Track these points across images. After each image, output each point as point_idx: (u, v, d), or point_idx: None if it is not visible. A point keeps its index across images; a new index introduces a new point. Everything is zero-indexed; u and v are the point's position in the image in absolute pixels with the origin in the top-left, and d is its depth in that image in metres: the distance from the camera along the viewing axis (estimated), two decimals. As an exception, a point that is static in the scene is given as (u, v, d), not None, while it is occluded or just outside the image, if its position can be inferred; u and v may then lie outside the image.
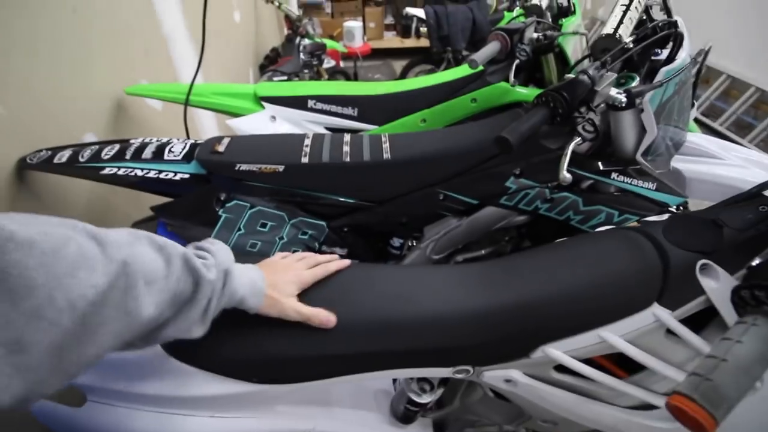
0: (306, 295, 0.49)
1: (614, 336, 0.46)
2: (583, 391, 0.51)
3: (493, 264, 0.56)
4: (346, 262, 0.56)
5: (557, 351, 0.48)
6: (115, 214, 1.06)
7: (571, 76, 0.65)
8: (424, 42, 2.37)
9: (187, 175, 0.78)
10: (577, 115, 0.65)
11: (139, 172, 0.77)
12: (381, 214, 0.85)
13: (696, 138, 0.88)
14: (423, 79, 1.27)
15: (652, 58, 0.80)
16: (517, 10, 1.97)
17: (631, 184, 0.78)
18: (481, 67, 1.06)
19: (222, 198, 0.80)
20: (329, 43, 2.48)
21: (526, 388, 0.51)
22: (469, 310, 0.49)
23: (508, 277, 0.52)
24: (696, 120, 2.58)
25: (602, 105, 0.70)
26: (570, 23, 1.24)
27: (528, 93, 1.19)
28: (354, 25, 3.19)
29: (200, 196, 0.80)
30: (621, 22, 0.73)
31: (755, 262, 0.42)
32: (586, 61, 0.93)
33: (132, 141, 0.84)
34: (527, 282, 0.51)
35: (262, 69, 2.53)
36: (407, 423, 0.62)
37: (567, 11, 1.35)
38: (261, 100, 1.16)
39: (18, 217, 0.27)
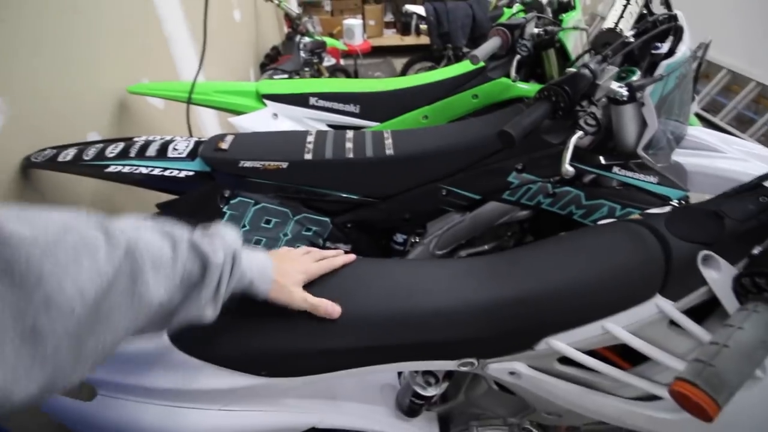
0: (312, 288, 0.50)
1: (617, 327, 0.47)
2: (587, 382, 0.51)
3: (496, 257, 0.57)
4: (352, 256, 0.56)
5: (561, 343, 0.48)
6: (120, 211, 1.06)
7: (573, 70, 0.65)
8: (424, 39, 2.37)
9: (191, 173, 0.79)
10: (578, 109, 0.66)
11: (144, 170, 0.77)
12: (384, 210, 0.86)
13: (697, 131, 0.88)
14: (424, 75, 1.28)
15: (653, 51, 0.80)
16: (517, 6, 1.96)
17: (632, 177, 0.79)
18: (482, 63, 1.07)
19: (226, 195, 0.81)
20: (329, 41, 2.47)
21: (531, 380, 0.52)
22: (473, 302, 0.49)
23: (512, 270, 0.53)
24: (697, 115, 2.58)
25: (603, 99, 0.71)
26: (570, 18, 1.24)
27: (529, 88, 1.19)
28: (354, 22, 3.18)
29: (204, 193, 0.80)
30: (621, 16, 0.74)
31: (756, 251, 0.43)
32: (586, 56, 0.93)
33: (136, 139, 0.84)
34: (531, 275, 0.51)
35: (263, 67, 2.53)
36: (412, 416, 0.62)
37: (567, 6, 1.35)
38: (263, 97, 1.16)
39: (17, 209, 0.28)
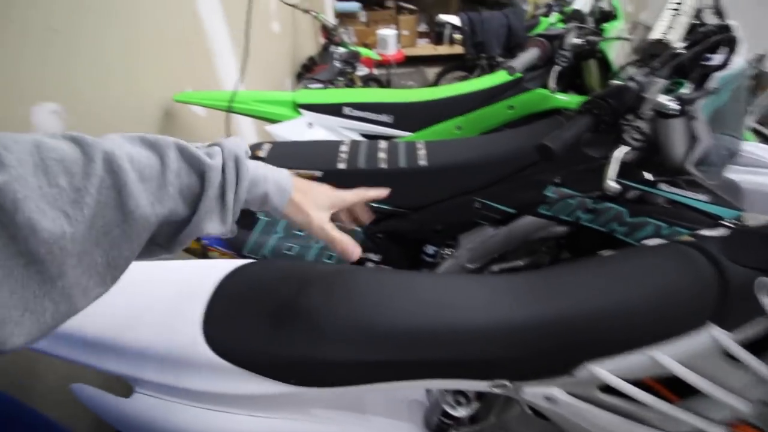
0: (336, 300, 0.50)
1: (666, 357, 0.44)
2: (629, 413, 0.48)
3: (535, 275, 0.54)
4: (384, 191, 0.54)
5: (603, 370, 0.45)
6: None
7: (618, 82, 0.63)
8: (457, 49, 2.36)
9: (229, 180, 0.81)
10: (623, 123, 0.63)
11: (185, 176, 0.80)
12: (416, 221, 0.85)
13: (752, 147, 0.82)
14: (458, 86, 1.27)
15: (704, 63, 0.76)
16: (555, 16, 1.93)
17: (681, 195, 0.74)
18: (519, 74, 1.05)
19: (261, 202, 0.82)
20: (363, 51, 2.51)
21: (568, 407, 0.49)
22: (509, 321, 0.48)
23: (551, 289, 0.51)
24: (753, 130, 2.42)
25: (650, 112, 0.68)
26: (613, 28, 1.20)
27: (568, 99, 1.16)
28: (388, 33, 3.22)
29: None
30: (670, 26, 0.70)
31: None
32: (630, 67, 0.90)
33: (179, 146, 0.88)
34: (572, 295, 0.49)
35: (299, 77, 2.60)
36: (440, 435, 0.61)
37: (609, 16, 1.31)
38: (299, 107, 1.19)
39: None
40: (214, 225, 0.36)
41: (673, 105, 0.64)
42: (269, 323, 0.49)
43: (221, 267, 0.56)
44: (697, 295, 0.45)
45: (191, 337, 0.48)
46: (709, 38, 0.75)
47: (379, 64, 2.92)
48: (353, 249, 0.44)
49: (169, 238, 0.36)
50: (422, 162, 0.82)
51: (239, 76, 1.16)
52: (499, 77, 1.21)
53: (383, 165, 0.82)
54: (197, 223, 0.35)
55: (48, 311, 0.26)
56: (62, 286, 0.26)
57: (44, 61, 0.76)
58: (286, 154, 0.84)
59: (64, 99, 0.79)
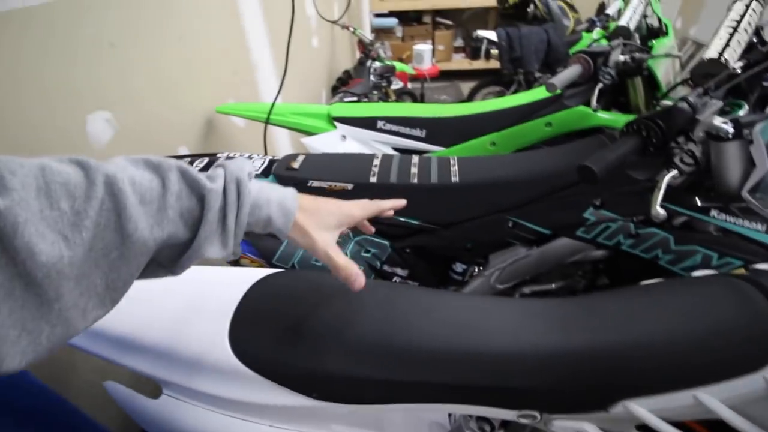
0: (362, 315, 0.49)
1: (714, 400, 0.40)
2: (670, 457, 0.44)
3: (571, 301, 0.52)
4: (402, 202, 0.52)
5: (642, 409, 0.42)
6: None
7: (669, 103, 0.60)
8: (493, 64, 2.35)
9: (263, 189, 0.83)
10: (673, 146, 0.59)
11: (223, 184, 0.83)
12: (446, 238, 0.84)
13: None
14: (494, 102, 1.25)
15: (765, 84, 0.71)
16: (598, 32, 1.88)
17: (734, 224, 0.69)
18: (558, 91, 1.02)
19: (293, 212, 0.84)
20: (398, 66, 2.54)
21: (602, 445, 0.46)
22: (542, 349, 0.45)
23: (589, 318, 0.48)
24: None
25: (702, 134, 0.64)
26: (662, 45, 1.15)
27: (611, 118, 1.12)
28: (423, 48, 3.25)
29: None
30: (727, 44, 0.66)
31: None
32: (681, 87, 0.85)
33: (218, 155, 0.91)
34: (612, 326, 0.46)
35: (334, 90, 2.66)
36: (462, 462, 0.58)
37: (658, 32, 1.26)
38: (333, 119, 1.21)
39: None
40: (214, 249, 0.36)
41: (728, 128, 0.60)
42: (294, 334, 0.49)
43: (250, 275, 0.57)
44: (752, 335, 0.41)
45: (218, 344, 0.49)
46: (770, 58, 0.70)
47: (414, 79, 2.94)
48: (357, 278, 0.42)
49: (171, 260, 0.36)
50: (454, 178, 0.81)
51: (278, 89, 1.20)
52: (537, 93, 1.18)
53: (414, 180, 0.82)
54: (197, 247, 0.35)
55: (44, 333, 0.26)
56: (59, 309, 0.26)
57: (101, 73, 0.81)
58: (318, 166, 0.85)
59: (116, 108, 0.84)
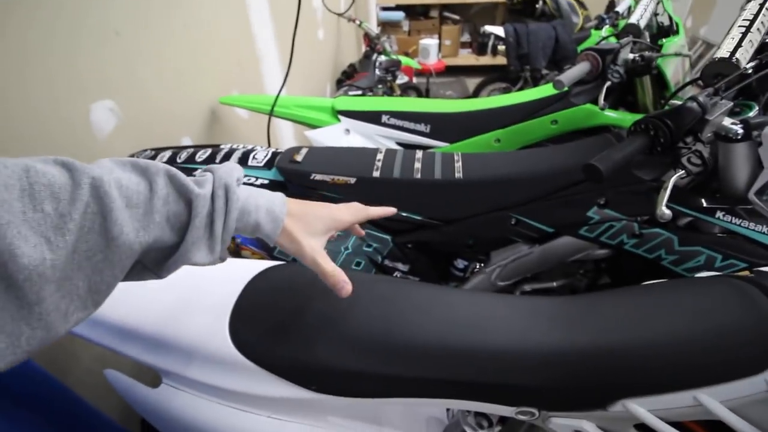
0: (362, 309, 0.49)
1: (714, 401, 0.40)
2: (667, 457, 0.44)
3: (573, 300, 0.52)
4: (391, 209, 0.52)
5: (641, 408, 0.42)
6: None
7: (678, 102, 0.59)
8: (500, 60, 2.32)
9: (266, 181, 0.83)
10: (681, 146, 0.59)
11: (226, 176, 0.83)
12: (447, 234, 0.83)
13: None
14: (500, 98, 1.24)
15: (776, 84, 0.70)
16: (607, 29, 1.86)
17: (740, 225, 0.69)
18: (566, 88, 1.01)
19: (295, 205, 0.84)
20: (404, 60, 2.53)
21: (600, 444, 0.46)
22: (542, 347, 0.45)
23: (590, 317, 0.48)
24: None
25: (710, 135, 0.63)
26: (672, 44, 1.13)
27: (618, 117, 1.10)
28: (430, 42, 3.23)
29: None
30: (739, 44, 0.65)
31: None
32: (690, 87, 0.84)
33: (222, 146, 0.91)
34: (612, 325, 0.46)
35: (339, 83, 2.65)
36: (459, 457, 0.58)
37: (668, 31, 1.24)
38: (338, 113, 1.20)
39: None
40: (201, 254, 0.36)
41: (737, 129, 0.59)
42: (294, 327, 0.49)
43: (251, 267, 0.57)
44: (755, 337, 0.41)
45: (218, 335, 0.49)
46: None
47: (419, 73, 2.92)
48: (344, 285, 0.42)
49: (157, 263, 0.36)
50: (458, 174, 0.81)
51: (283, 81, 1.19)
52: (544, 91, 1.17)
53: (418, 175, 0.81)
54: (184, 251, 0.34)
55: (24, 335, 0.26)
56: (40, 312, 0.26)
57: (106, 62, 0.81)
58: (321, 159, 0.85)
59: (120, 97, 0.84)
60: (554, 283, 0.91)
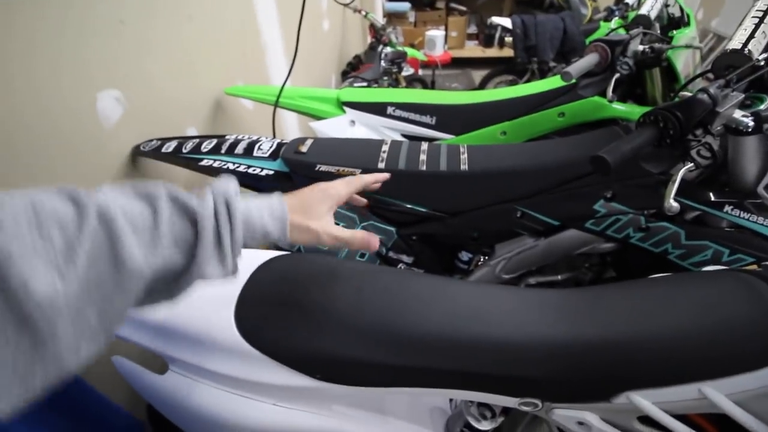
0: (367, 299, 0.49)
1: (719, 394, 0.40)
2: (671, 450, 0.44)
3: (578, 292, 0.51)
4: (385, 175, 0.53)
5: (645, 401, 0.42)
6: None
7: (688, 94, 0.58)
8: (507, 52, 2.30)
9: (271, 172, 0.83)
10: (690, 139, 0.58)
11: (231, 166, 0.83)
12: (452, 226, 0.83)
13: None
14: (506, 90, 1.23)
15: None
16: (616, 21, 1.83)
17: (748, 219, 0.68)
18: (573, 80, 1.00)
19: (300, 196, 0.84)
20: (410, 52, 2.51)
21: (603, 435, 0.46)
22: (547, 339, 0.45)
23: (595, 310, 0.48)
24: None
25: (720, 128, 0.62)
26: (683, 36, 1.11)
27: (626, 109, 1.09)
28: (436, 34, 3.19)
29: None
30: (752, 36, 0.64)
31: None
32: (700, 79, 0.83)
33: (227, 137, 0.91)
34: (618, 318, 0.46)
35: (344, 75, 2.63)
36: (462, 447, 0.59)
37: (679, 22, 1.22)
38: (343, 104, 1.20)
39: None
40: (213, 270, 0.36)
41: (748, 121, 0.59)
42: (299, 316, 0.49)
43: (257, 257, 0.58)
44: (761, 331, 0.41)
45: (224, 323, 0.50)
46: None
47: (425, 65, 2.90)
48: (370, 239, 0.43)
49: (168, 285, 0.36)
50: (464, 166, 0.81)
51: (288, 72, 1.19)
52: (551, 83, 1.16)
53: (423, 167, 0.81)
54: (196, 270, 0.35)
55: (38, 377, 0.25)
56: (54, 350, 0.26)
57: (111, 51, 0.81)
58: (327, 151, 0.85)
59: (125, 87, 0.84)
60: (559, 277, 0.91)
